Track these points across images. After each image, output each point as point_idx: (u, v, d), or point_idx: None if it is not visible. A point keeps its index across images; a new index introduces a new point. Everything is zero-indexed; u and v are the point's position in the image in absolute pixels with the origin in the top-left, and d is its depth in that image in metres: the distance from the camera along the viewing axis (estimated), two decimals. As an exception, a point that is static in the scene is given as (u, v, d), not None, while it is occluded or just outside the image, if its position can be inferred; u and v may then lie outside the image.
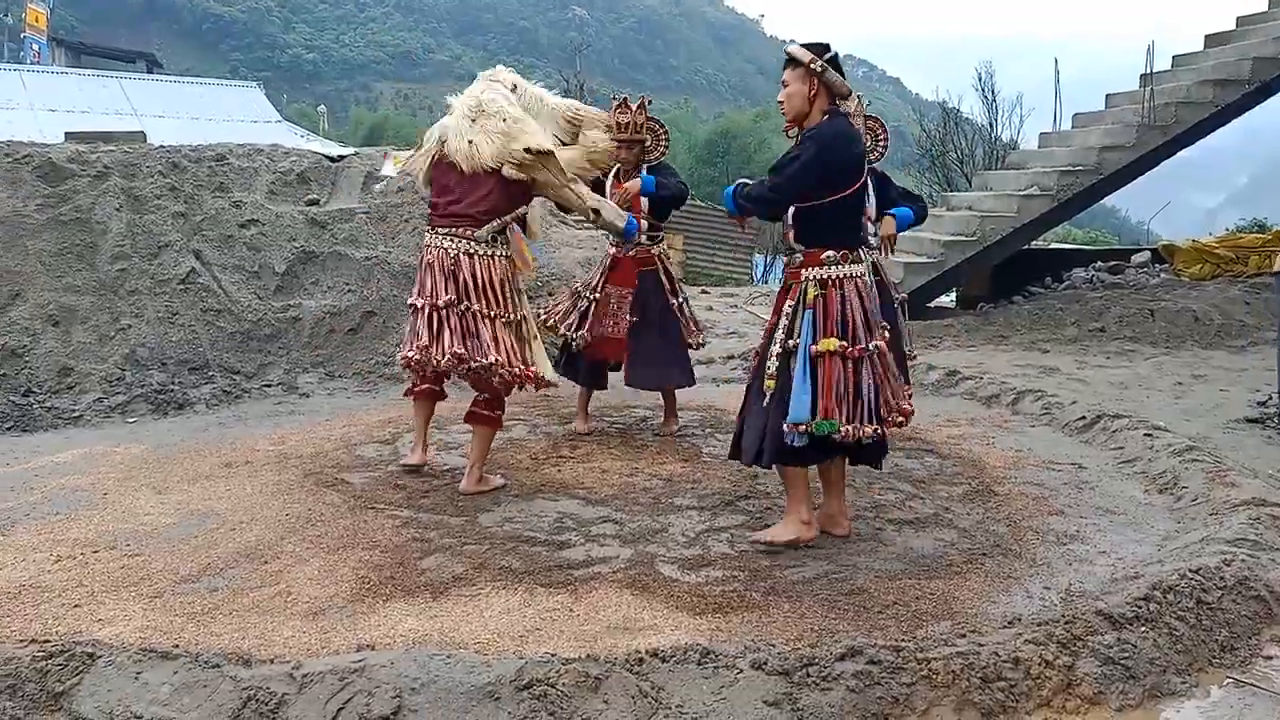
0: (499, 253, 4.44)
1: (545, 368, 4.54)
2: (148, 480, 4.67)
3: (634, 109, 5.44)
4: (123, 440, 5.46)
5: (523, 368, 4.39)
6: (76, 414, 5.91)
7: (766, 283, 18.07)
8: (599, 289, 5.54)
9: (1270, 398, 6.60)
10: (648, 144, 5.50)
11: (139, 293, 6.66)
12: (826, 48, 3.82)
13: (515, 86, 4.66)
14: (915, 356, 6.12)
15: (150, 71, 29.60)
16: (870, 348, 3.75)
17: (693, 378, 5.71)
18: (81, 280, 6.57)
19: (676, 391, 5.75)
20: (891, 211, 5.32)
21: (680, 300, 5.65)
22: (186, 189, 7.19)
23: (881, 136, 5.57)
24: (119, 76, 23.35)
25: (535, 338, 4.58)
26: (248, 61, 74.63)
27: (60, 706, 2.57)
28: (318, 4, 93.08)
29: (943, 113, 20.41)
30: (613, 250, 5.60)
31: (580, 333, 5.43)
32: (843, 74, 3.84)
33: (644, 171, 5.47)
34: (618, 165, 5.43)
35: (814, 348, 3.69)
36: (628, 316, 5.46)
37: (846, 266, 3.79)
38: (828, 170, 3.73)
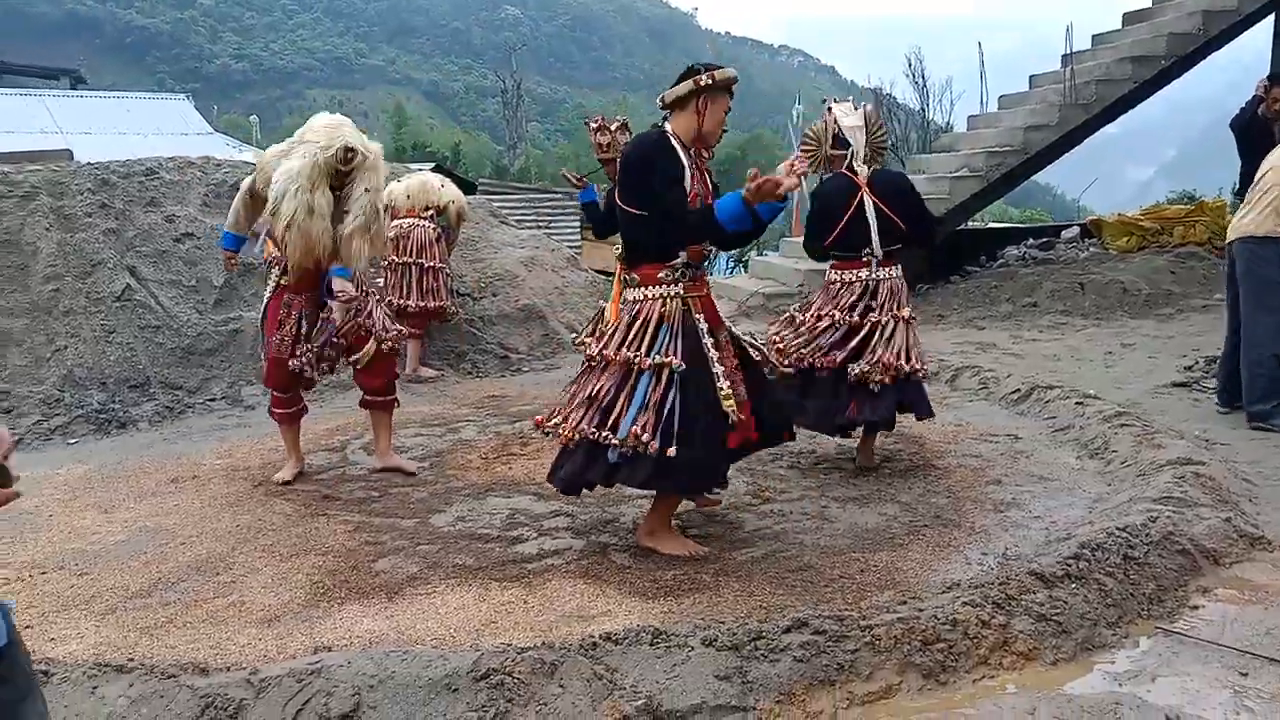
0: None
1: None
2: (93, 500, 4.63)
3: (613, 129, 5.46)
4: (65, 462, 5.39)
5: None
6: (16, 438, 5.79)
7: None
8: None
9: (1196, 362, 6.85)
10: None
11: (74, 312, 6.56)
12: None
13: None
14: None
15: (74, 88, 28.87)
16: None
17: None
18: (14, 302, 6.45)
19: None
20: None
21: None
22: (117, 205, 7.08)
23: None
24: (42, 94, 22.74)
25: None
26: (175, 73, 73.01)
27: (15, 727, 2.57)
28: (244, 12, 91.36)
29: (876, 99, 20.74)
30: None
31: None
32: None
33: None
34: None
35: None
36: None
37: None
38: None
